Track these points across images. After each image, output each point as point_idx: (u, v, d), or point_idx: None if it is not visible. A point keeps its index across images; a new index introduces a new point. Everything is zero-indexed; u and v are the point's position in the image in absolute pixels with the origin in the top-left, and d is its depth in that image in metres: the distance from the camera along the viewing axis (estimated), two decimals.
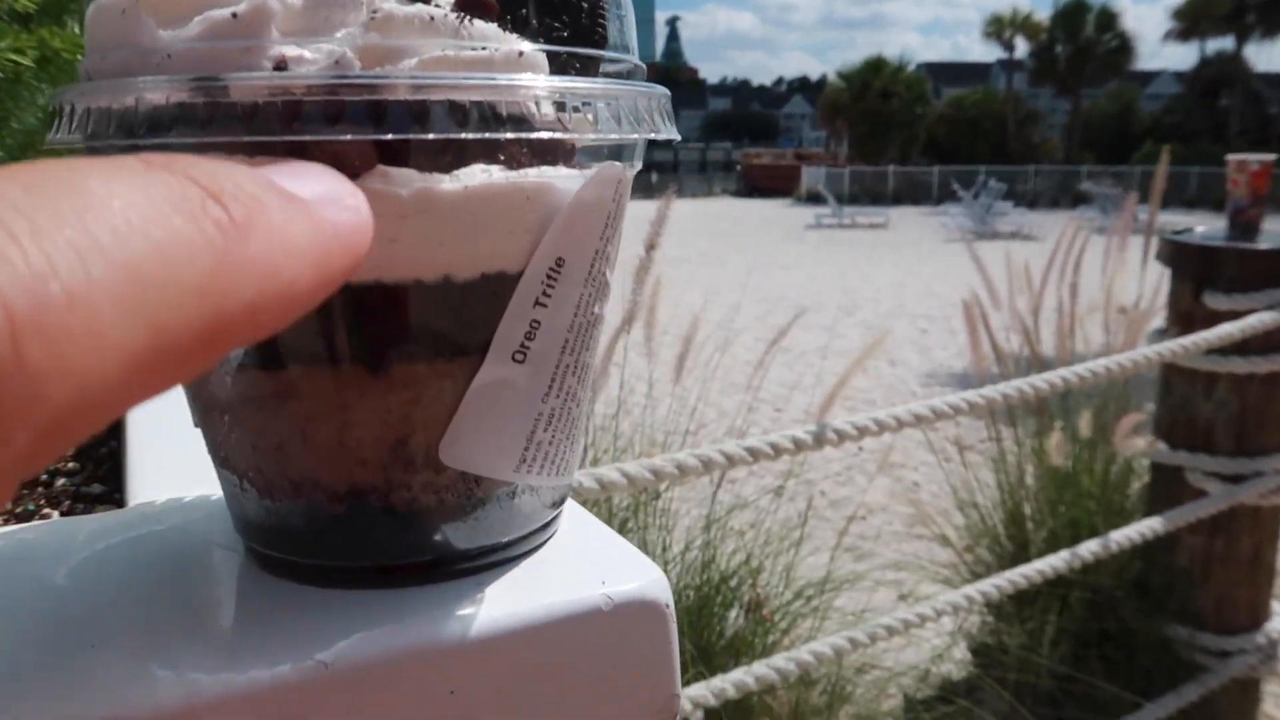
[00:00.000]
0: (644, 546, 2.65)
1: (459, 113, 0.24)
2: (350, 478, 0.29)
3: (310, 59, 0.24)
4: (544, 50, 0.29)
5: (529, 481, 0.31)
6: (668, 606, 0.31)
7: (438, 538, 0.30)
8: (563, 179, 0.28)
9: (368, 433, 0.28)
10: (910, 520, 4.62)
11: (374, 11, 0.25)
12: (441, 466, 0.29)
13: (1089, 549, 2.56)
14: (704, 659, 2.50)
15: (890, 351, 8.51)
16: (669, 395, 3.00)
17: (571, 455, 0.33)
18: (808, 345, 8.74)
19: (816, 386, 7.43)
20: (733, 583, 2.74)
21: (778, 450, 2.19)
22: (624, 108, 0.29)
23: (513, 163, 0.27)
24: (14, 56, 0.69)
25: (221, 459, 0.31)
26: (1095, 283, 3.22)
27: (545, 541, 0.33)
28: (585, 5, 0.31)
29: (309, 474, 0.29)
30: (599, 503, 2.37)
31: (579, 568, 0.32)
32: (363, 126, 0.24)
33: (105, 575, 0.31)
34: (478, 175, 0.26)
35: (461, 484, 0.30)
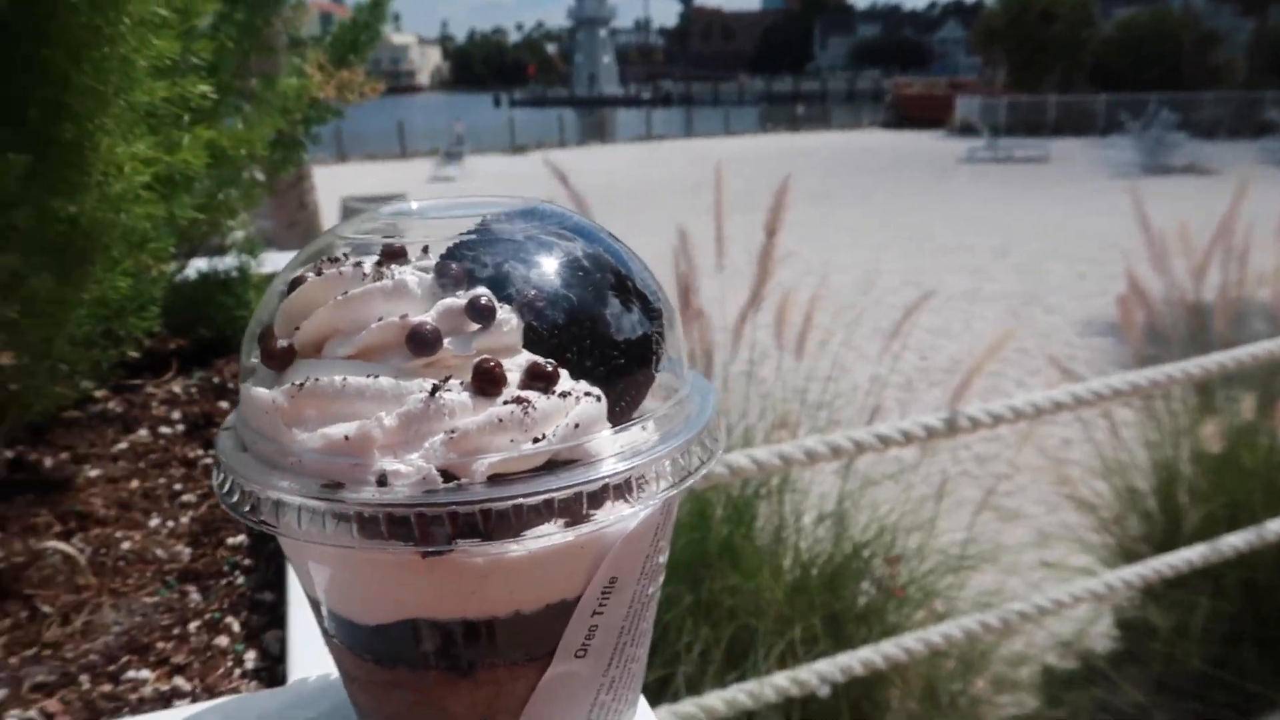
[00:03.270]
0: (777, 515, 2.70)
1: (521, 512, 0.31)
2: None
3: (405, 473, 0.31)
4: (596, 397, 0.34)
5: None
6: None
7: None
8: (615, 522, 0.34)
9: (459, 713, 0.35)
10: (1059, 480, 4.49)
11: (451, 430, 0.31)
12: None
13: (1247, 539, 2.45)
14: (833, 631, 2.55)
15: (1044, 297, 8.12)
16: (814, 341, 3.01)
17: (632, 698, 0.40)
18: (956, 288, 8.44)
19: (965, 333, 7.20)
20: (866, 554, 2.76)
21: (909, 438, 2.19)
22: (677, 462, 0.34)
23: (575, 519, 0.32)
24: (190, 158, 0.79)
25: (355, 700, 0.39)
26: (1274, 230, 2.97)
27: None
28: (638, 338, 0.37)
29: None
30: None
31: None
32: (441, 531, 0.30)
33: None
34: (540, 539, 0.32)
35: None
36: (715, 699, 2.07)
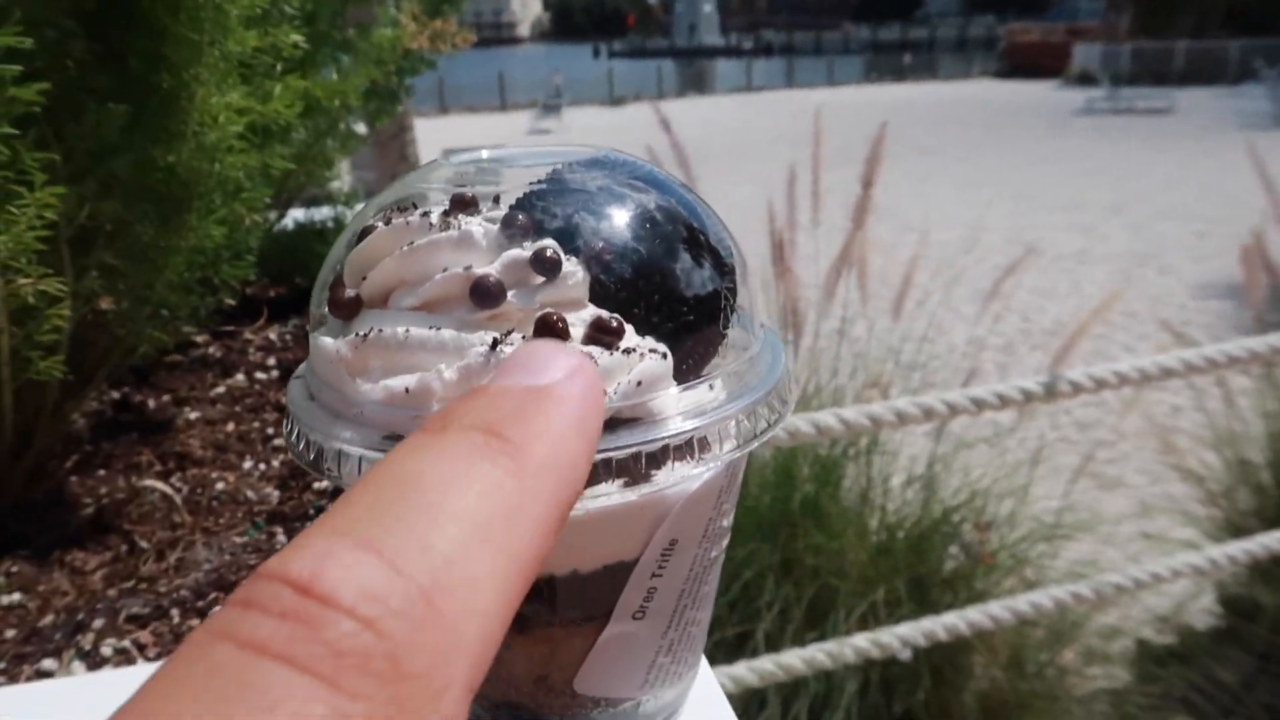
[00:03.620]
0: (865, 476, 2.67)
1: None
2: (505, 697, 0.36)
3: None
4: (662, 354, 0.33)
5: (652, 694, 0.37)
6: None
7: None
8: (676, 483, 0.33)
9: (517, 669, 0.36)
10: (1166, 448, 4.31)
11: None
12: (577, 693, 0.36)
13: None
14: (917, 594, 2.51)
15: (1159, 258, 7.73)
16: (911, 300, 2.93)
17: (693, 661, 0.39)
18: (1065, 248, 8.11)
19: (1071, 295, 6.92)
20: (955, 519, 2.71)
21: (1005, 401, 2.13)
22: (742, 424, 0.33)
23: (635, 479, 0.32)
24: (281, 108, 0.80)
25: None
26: None
27: None
28: (708, 295, 0.36)
29: None
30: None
31: None
32: None
33: None
34: (599, 499, 0.32)
35: (593, 702, 0.36)
36: (793, 657, 2.07)
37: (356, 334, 0.33)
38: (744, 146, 12.82)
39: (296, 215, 1.25)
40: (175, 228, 0.66)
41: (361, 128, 1.23)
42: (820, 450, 2.59)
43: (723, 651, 2.40)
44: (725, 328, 0.36)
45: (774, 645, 2.33)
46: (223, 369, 0.96)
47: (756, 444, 0.34)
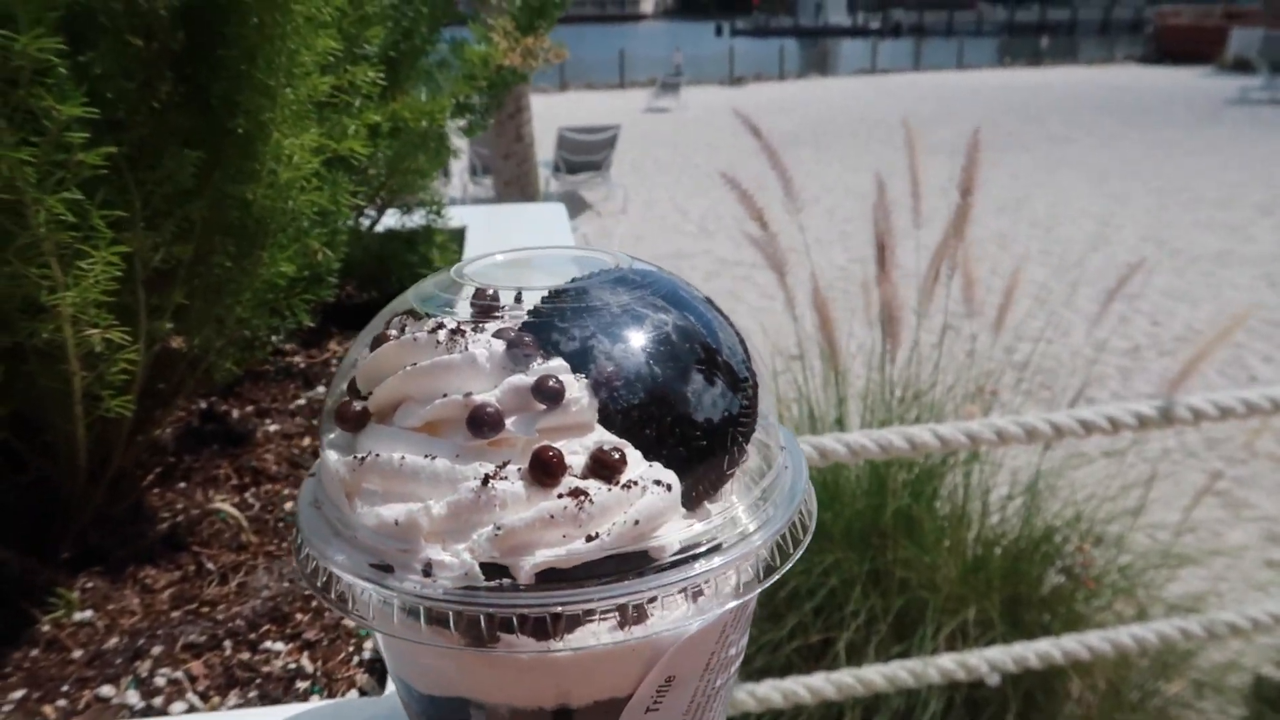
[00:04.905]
0: (963, 489, 2.58)
1: (561, 618, 0.29)
2: None
3: (449, 564, 0.30)
4: (666, 486, 0.32)
5: None
6: None
7: None
8: (671, 624, 0.32)
9: None
10: None
11: (498, 527, 0.30)
12: None
13: None
14: (1011, 614, 2.42)
15: None
16: (1023, 303, 2.79)
17: None
18: (1205, 248, 7.63)
19: (1209, 300, 6.51)
20: (1057, 539, 2.59)
21: (1116, 425, 2.03)
22: (747, 571, 0.32)
23: (626, 622, 0.31)
24: (356, 147, 0.81)
25: None
26: None
27: None
28: (721, 420, 0.34)
29: None
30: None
31: None
32: (478, 629, 0.29)
33: None
34: (588, 639, 0.31)
35: None
36: (874, 673, 2.03)
37: (355, 456, 0.33)
38: (864, 132, 12.51)
39: (389, 221, 1.28)
40: (250, 262, 0.68)
41: (457, 140, 1.24)
42: (915, 461, 2.52)
43: (802, 657, 2.37)
44: (738, 455, 0.35)
45: (857, 655, 2.29)
46: (305, 380, 0.99)
47: (756, 593, 0.33)
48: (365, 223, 1.21)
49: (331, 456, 0.34)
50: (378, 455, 0.32)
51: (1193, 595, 2.71)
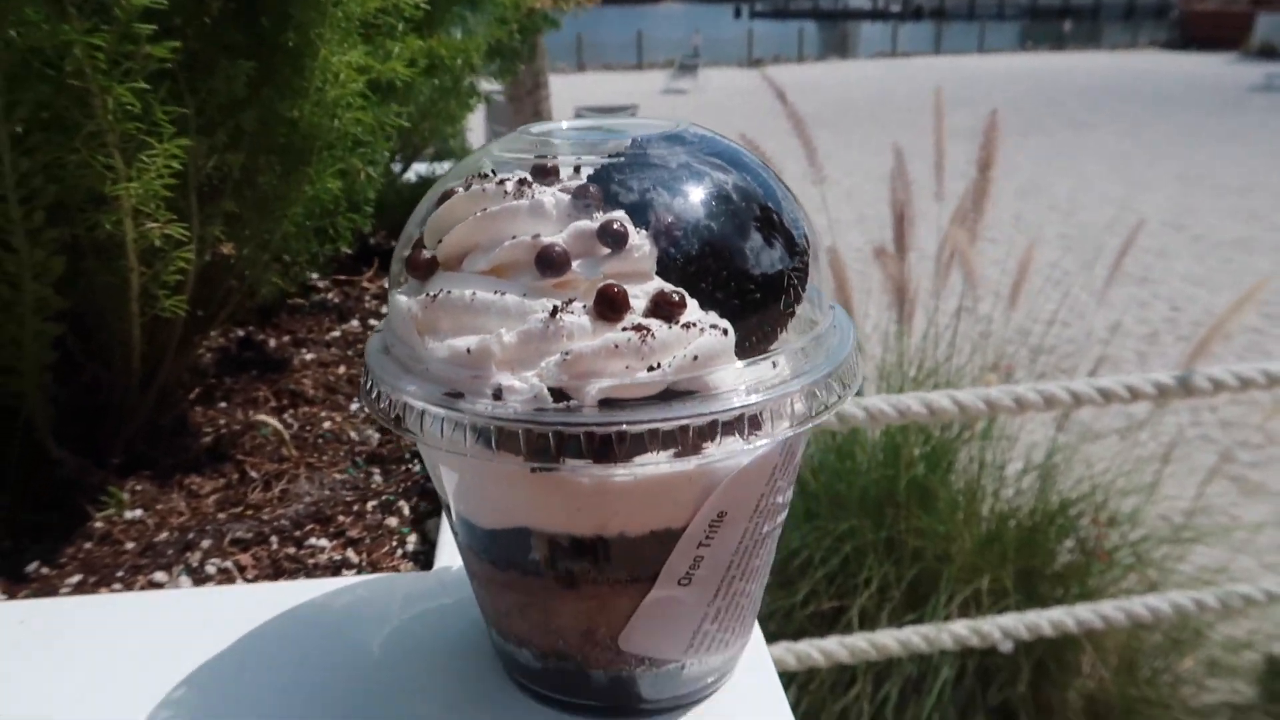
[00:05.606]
0: (978, 462, 2.59)
1: (625, 439, 0.31)
2: (553, 646, 0.38)
3: (519, 389, 0.32)
4: (723, 330, 0.34)
5: (696, 659, 0.38)
6: None
7: (620, 691, 0.39)
8: (727, 456, 0.33)
9: (564, 622, 0.37)
10: None
11: (566, 352, 0.31)
12: (621, 649, 0.37)
13: None
14: (1025, 586, 2.43)
15: None
16: (1037, 283, 2.78)
17: (741, 631, 0.40)
18: (1227, 234, 7.58)
19: (1229, 286, 6.46)
20: (1072, 512, 2.60)
21: (1135, 394, 2.03)
22: (796, 403, 0.33)
23: (684, 450, 0.32)
24: (399, 68, 0.82)
25: (476, 595, 0.42)
26: None
27: (714, 690, 0.41)
28: (775, 274, 0.36)
29: (525, 636, 0.39)
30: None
31: None
32: (547, 448, 0.31)
33: (404, 652, 0.44)
34: (647, 467, 0.32)
35: (637, 659, 0.38)
36: (888, 637, 2.04)
37: (428, 294, 0.34)
38: (883, 115, 12.44)
39: (419, 169, 1.29)
40: (295, 179, 0.70)
41: (488, 85, 1.25)
42: (933, 431, 2.53)
43: (815, 624, 2.39)
44: (791, 307, 0.36)
45: (869, 623, 2.31)
46: (339, 314, 1.01)
47: (812, 425, 0.34)
48: (396, 169, 1.23)
49: (403, 299, 0.35)
50: (449, 292, 0.34)
51: (1207, 570, 2.72)
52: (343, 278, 1.09)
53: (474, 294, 0.33)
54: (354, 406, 0.83)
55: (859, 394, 2.63)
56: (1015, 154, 9.77)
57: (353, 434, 0.78)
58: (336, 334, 0.97)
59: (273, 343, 0.94)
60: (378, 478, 0.72)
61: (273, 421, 0.76)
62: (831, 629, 2.37)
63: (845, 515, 2.43)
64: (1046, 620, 2.13)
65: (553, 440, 0.31)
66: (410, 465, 0.73)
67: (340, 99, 0.69)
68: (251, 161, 0.68)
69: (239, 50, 0.64)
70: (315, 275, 1.05)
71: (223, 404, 0.82)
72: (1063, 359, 4.40)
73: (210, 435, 0.76)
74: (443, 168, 1.27)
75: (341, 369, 0.90)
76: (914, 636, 2.07)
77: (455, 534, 0.40)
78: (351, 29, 0.68)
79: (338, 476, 0.71)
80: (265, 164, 0.70)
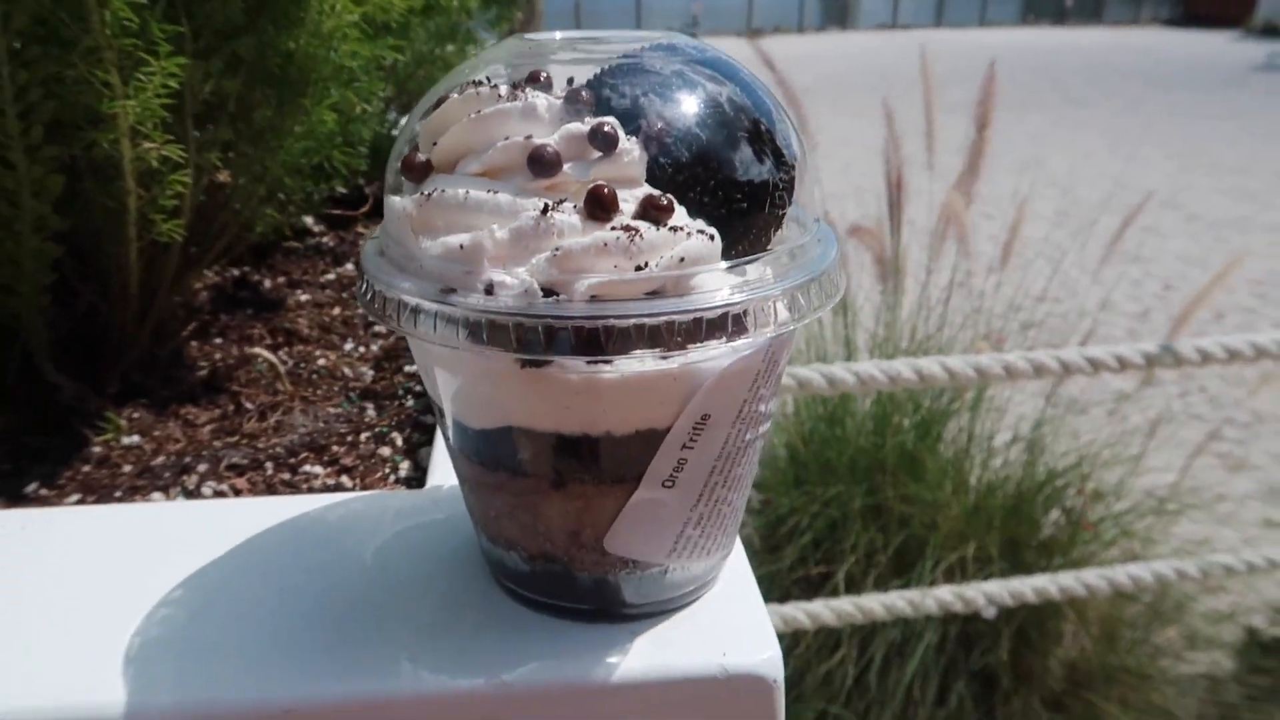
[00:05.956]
0: (967, 432, 2.61)
1: (612, 333, 0.32)
2: (540, 549, 0.39)
3: (510, 284, 0.32)
4: (710, 235, 0.34)
5: (679, 564, 0.39)
6: (775, 682, 0.39)
7: (604, 594, 0.40)
8: (711, 357, 0.34)
9: (551, 523, 0.38)
10: None
11: (556, 249, 0.32)
12: (606, 551, 0.38)
13: None
14: (1010, 555, 2.46)
15: None
16: (1029, 255, 2.80)
17: (723, 541, 0.41)
18: (1222, 214, 7.58)
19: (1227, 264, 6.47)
20: (1059, 484, 2.63)
21: (1124, 364, 2.05)
22: (777, 307, 0.34)
23: (669, 347, 0.33)
24: (397, 2, 0.82)
25: (467, 502, 0.42)
26: None
27: (696, 599, 0.42)
28: (762, 184, 0.36)
29: (513, 539, 0.39)
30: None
31: (712, 631, 0.40)
32: (537, 342, 0.32)
33: (395, 561, 0.45)
34: (633, 364, 0.33)
35: (621, 562, 0.39)
36: (873, 601, 2.07)
37: (422, 193, 0.35)
38: (884, 88, 12.35)
39: None
40: (291, 110, 0.70)
41: (485, 34, 1.25)
42: (922, 401, 2.54)
43: (801, 589, 2.41)
44: (777, 216, 0.37)
45: (856, 588, 2.33)
46: (334, 258, 1.02)
47: (794, 328, 0.35)
48: (392, 118, 1.23)
49: (398, 200, 0.36)
50: (444, 190, 0.34)
51: (1191, 543, 2.75)
52: (338, 219, 1.10)
53: (467, 193, 0.34)
54: (348, 346, 0.84)
55: (850, 359, 2.65)
56: (1014, 129, 9.75)
57: (347, 370, 0.79)
58: (331, 277, 0.98)
59: (268, 283, 0.94)
60: (371, 412, 0.72)
61: (269, 355, 0.77)
62: (818, 593, 2.39)
63: (834, 482, 2.45)
64: (1030, 587, 2.16)
65: (542, 334, 0.32)
66: (403, 400, 0.74)
67: (336, 30, 0.69)
68: (248, 91, 0.68)
69: None
70: (311, 219, 1.05)
71: (218, 340, 0.83)
72: (1052, 334, 4.42)
73: (205, 368, 0.77)
74: None
75: (336, 310, 0.91)
76: (899, 601, 2.10)
77: (447, 441, 0.41)
78: None
79: (332, 410, 0.72)
80: (261, 95, 0.70)
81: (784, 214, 0.37)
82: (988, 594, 2.17)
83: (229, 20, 0.62)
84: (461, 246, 0.33)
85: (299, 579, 0.43)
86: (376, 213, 1.13)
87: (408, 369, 0.79)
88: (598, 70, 0.38)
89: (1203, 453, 3.31)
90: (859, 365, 1.89)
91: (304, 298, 0.93)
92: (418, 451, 0.65)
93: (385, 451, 0.66)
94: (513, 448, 0.37)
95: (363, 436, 0.68)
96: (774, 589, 2.44)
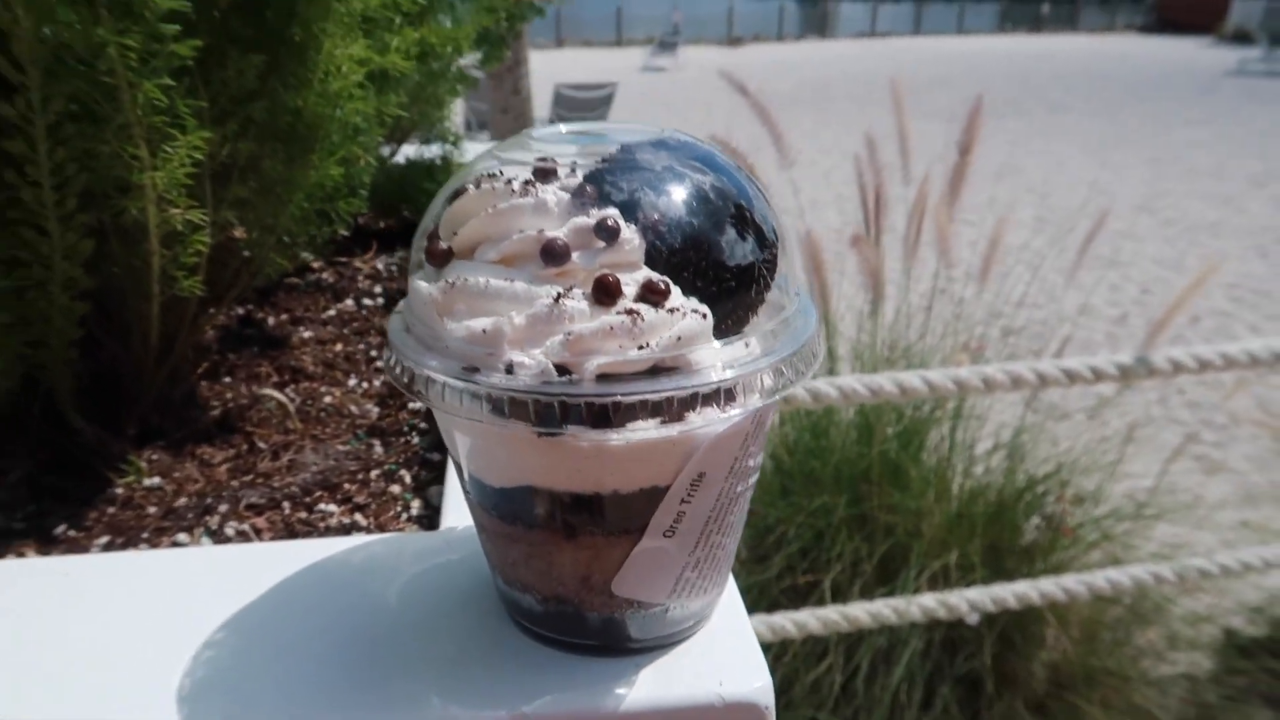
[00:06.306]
0: (949, 440, 2.66)
1: (620, 408, 0.36)
2: (553, 592, 0.43)
3: (528, 365, 0.37)
4: (703, 314, 0.39)
5: (678, 603, 0.44)
6: (768, 709, 0.43)
7: (611, 631, 0.44)
8: (705, 424, 0.39)
9: (564, 570, 0.42)
10: (1277, 435, 4.12)
11: (569, 333, 0.36)
12: (614, 593, 0.42)
13: None
14: (992, 561, 2.52)
15: None
16: (1008, 263, 2.85)
17: (718, 580, 0.45)
18: (1199, 219, 7.71)
19: (1202, 269, 6.58)
20: (1039, 490, 2.68)
21: (1099, 375, 2.10)
22: (765, 379, 0.38)
23: (669, 418, 0.37)
24: (398, 60, 0.86)
25: (484, 548, 0.47)
26: None
27: (695, 633, 0.46)
28: (748, 265, 0.41)
29: (529, 583, 0.44)
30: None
31: (709, 663, 0.44)
32: (553, 416, 0.36)
33: (417, 601, 0.49)
34: (638, 432, 0.37)
35: (627, 603, 0.43)
36: (859, 609, 2.12)
37: (446, 280, 0.39)
38: (864, 95, 12.51)
39: (408, 152, 1.33)
40: (300, 166, 0.74)
41: (473, 71, 1.29)
42: (904, 411, 2.59)
43: (788, 598, 2.46)
44: (761, 294, 0.41)
45: (841, 597, 2.38)
46: (334, 294, 1.05)
47: (779, 397, 0.39)
48: (385, 153, 1.26)
49: (424, 285, 0.40)
50: (466, 279, 0.39)
51: (1169, 546, 2.81)
52: (337, 258, 1.13)
53: (488, 281, 0.38)
54: (352, 382, 0.88)
55: (832, 373, 2.70)
56: (992, 135, 9.85)
57: (353, 407, 0.82)
58: (332, 313, 1.02)
59: (271, 321, 0.98)
60: (378, 449, 0.76)
61: (279, 395, 0.80)
62: (804, 602, 2.44)
63: (819, 492, 2.50)
64: (1011, 593, 2.21)
65: (557, 409, 0.36)
66: (409, 438, 0.78)
67: (343, 90, 0.73)
68: (259, 149, 0.72)
69: (247, 43, 0.68)
70: (310, 255, 1.09)
71: (227, 379, 0.87)
72: (1033, 340, 4.50)
73: (218, 408, 0.81)
74: (430, 150, 1.31)
75: (339, 346, 0.94)
76: (884, 609, 2.14)
77: (466, 493, 0.45)
78: (354, 24, 0.72)
79: (341, 447, 0.76)
80: (270, 151, 0.74)
81: (767, 292, 0.42)
82: (971, 600, 2.22)
83: (243, 86, 0.66)
84: (484, 331, 0.37)
85: (330, 620, 0.47)
86: (378, 249, 1.17)
87: (412, 406, 0.83)
88: (598, 161, 0.42)
89: (1180, 456, 3.38)
90: (841, 379, 1.94)
91: (307, 334, 0.96)
92: (426, 489, 0.69)
93: (395, 489, 0.70)
94: (529, 504, 0.41)
95: (373, 474, 0.72)
96: (761, 598, 2.48)
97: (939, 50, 20.38)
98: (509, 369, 0.37)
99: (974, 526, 2.55)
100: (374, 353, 0.93)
